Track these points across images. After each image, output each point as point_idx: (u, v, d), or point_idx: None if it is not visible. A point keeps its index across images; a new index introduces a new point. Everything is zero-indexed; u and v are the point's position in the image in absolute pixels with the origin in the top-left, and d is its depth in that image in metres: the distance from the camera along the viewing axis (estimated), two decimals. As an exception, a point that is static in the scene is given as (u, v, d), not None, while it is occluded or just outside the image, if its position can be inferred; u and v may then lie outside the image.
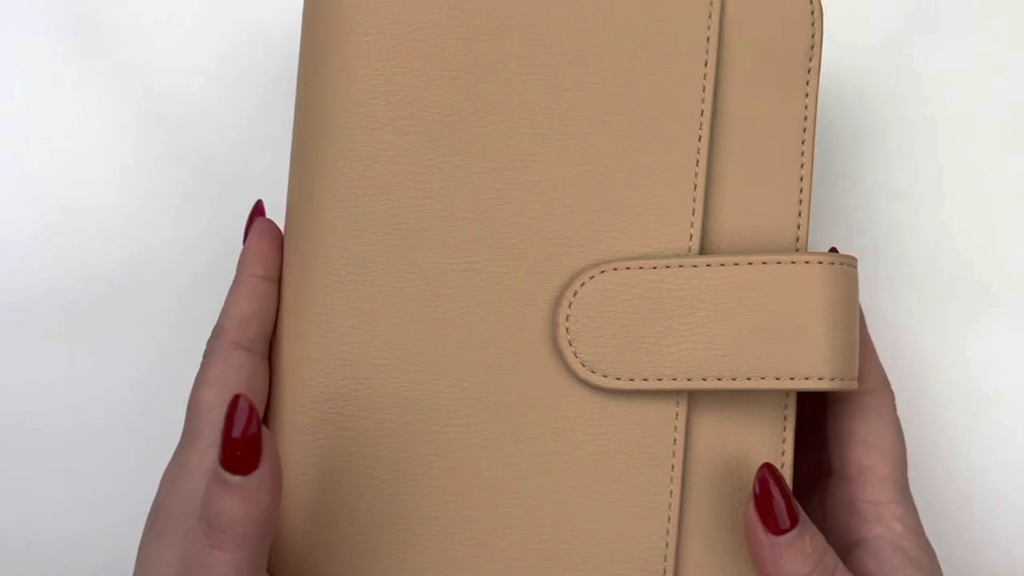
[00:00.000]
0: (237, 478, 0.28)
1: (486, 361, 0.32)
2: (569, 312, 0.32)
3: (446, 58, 0.32)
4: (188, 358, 0.41)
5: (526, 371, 0.32)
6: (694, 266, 0.32)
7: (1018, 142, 0.43)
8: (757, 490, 0.31)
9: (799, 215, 0.32)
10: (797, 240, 0.32)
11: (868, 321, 0.42)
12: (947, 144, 0.43)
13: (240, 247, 0.39)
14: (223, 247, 0.42)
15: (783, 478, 0.31)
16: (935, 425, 0.42)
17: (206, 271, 0.42)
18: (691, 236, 0.32)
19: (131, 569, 0.41)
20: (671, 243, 0.32)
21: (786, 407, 0.32)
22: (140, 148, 0.42)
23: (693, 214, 0.32)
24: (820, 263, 0.31)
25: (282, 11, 0.43)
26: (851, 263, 0.32)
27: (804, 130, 0.33)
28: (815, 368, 0.31)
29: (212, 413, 0.32)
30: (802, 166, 0.33)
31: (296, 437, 0.32)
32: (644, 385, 0.31)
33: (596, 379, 0.32)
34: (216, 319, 0.37)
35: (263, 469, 0.28)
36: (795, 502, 0.31)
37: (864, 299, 0.42)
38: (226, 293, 0.35)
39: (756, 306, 0.31)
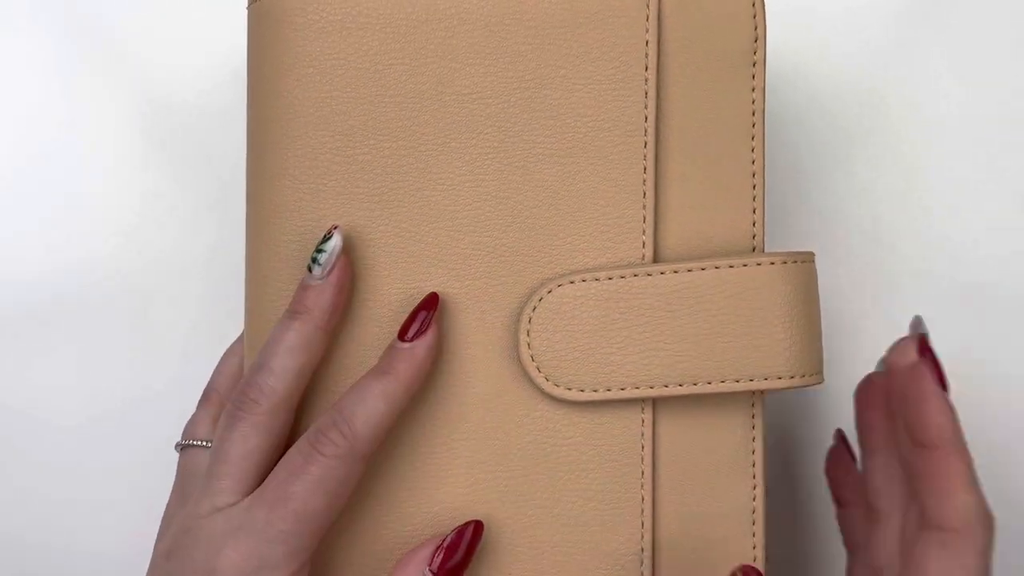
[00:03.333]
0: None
1: (455, 383, 0.33)
2: (529, 327, 0.32)
3: (390, 84, 0.33)
4: (187, 357, 0.42)
5: (494, 388, 0.33)
6: (648, 274, 0.32)
7: (1012, 141, 0.42)
8: None
9: (753, 212, 0.32)
10: (753, 238, 0.32)
11: (863, 322, 0.42)
12: (944, 144, 0.42)
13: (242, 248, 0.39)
14: (224, 248, 0.42)
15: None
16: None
17: (206, 272, 0.42)
18: (644, 244, 0.32)
19: (132, 567, 0.41)
20: (624, 254, 0.32)
21: (753, 406, 0.33)
22: (140, 150, 0.43)
23: (644, 222, 0.32)
24: (773, 263, 0.31)
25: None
26: (808, 259, 0.32)
27: (753, 126, 0.33)
28: (776, 368, 0.31)
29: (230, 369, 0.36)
30: (753, 162, 0.33)
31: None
32: (608, 395, 0.32)
33: (560, 392, 0.32)
34: (214, 318, 0.39)
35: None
36: None
37: (862, 298, 0.42)
38: (225, 294, 0.36)
39: (713, 310, 0.31)
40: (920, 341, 0.33)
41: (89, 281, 0.43)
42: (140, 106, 0.43)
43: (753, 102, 0.33)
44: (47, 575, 0.42)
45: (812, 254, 0.32)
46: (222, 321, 0.38)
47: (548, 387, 0.32)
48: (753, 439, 0.33)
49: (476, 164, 0.33)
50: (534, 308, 0.32)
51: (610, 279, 0.32)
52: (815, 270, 0.32)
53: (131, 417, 0.42)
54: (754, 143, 0.33)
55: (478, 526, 0.31)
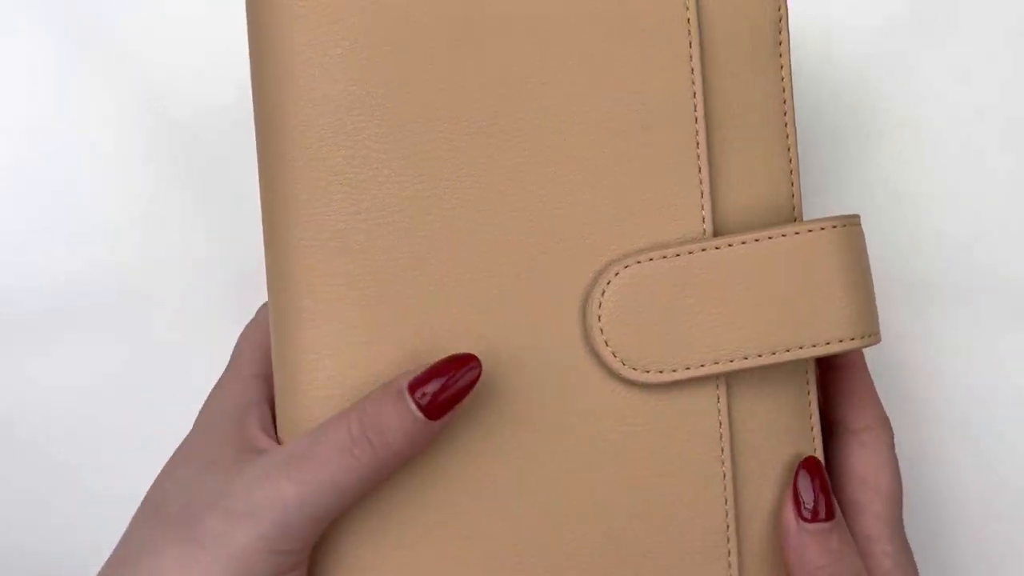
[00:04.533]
0: (419, 413, 0.29)
1: (527, 376, 0.31)
2: (600, 312, 0.31)
3: (425, 66, 0.30)
4: (186, 357, 0.41)
5: (568, 378, 0.31)
6: (716, 248, 0.32)
7: (1011, 139, 0.43)
8: (799, 476, 0.32)
9: (792, 185, 0.33)
10: (793, 210, 0.33)
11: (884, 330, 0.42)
12: (954, 143, 0.43)
13: (240, 247, 0.39)
14: (225, 248, 0.41)
15: (825, 473, 0.32)
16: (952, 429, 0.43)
17: (206, 272, 0.42)
18: (704, 219, 0.32)
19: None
20: (686, 230, 0.32)
21: (807, 372, 0.33)
22: (140, 150, 0.42)
23: (703, 197, 0.32)
24: (834, 227, 0.32)
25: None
26: (855, 223, 0.33)
27: (784, 101, 0.34)
28: (841, 330, 0.32)
29: (254, 340, 0.33)
30: (788, 137, 0.34)
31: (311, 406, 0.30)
32: (686, 374, 0.31)
33: (639, 375, 0.31)
34: (216, 318, 0.39)
35: (437, 424, 0.29)
36: (834, 500, 0.32)
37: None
38: (226, 292, 0.37)
39: (777, 279, 0.32)
40: None
41: (88, 281, 0.42)
42: (140, 106, 0.42)
43: (783, 79, 0.34)
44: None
45: (858, 216, 0.34)
46: (222, 321, 0.37)
47: (626, 371, 0.31)
48: (810, 403, 0.33)
49: (528, 153, 0.31)
50: (603, 292, 0.31)
51: (678, 256, 0.31)
52: (863, 232, 0.34)
53: (131, 418, 0.41)
54: (787, 119, 0.34)
55: (476, 362, 0.29)
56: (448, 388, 0.29)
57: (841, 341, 0.32)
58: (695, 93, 0.32)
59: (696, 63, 0.32)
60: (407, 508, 0.31)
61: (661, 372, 0.31)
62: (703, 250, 0.32)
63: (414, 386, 0.29)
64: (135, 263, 0.41)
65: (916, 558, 0.34)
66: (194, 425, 0.32)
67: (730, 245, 0.32)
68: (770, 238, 0.32)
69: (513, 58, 0.31)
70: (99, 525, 0.39)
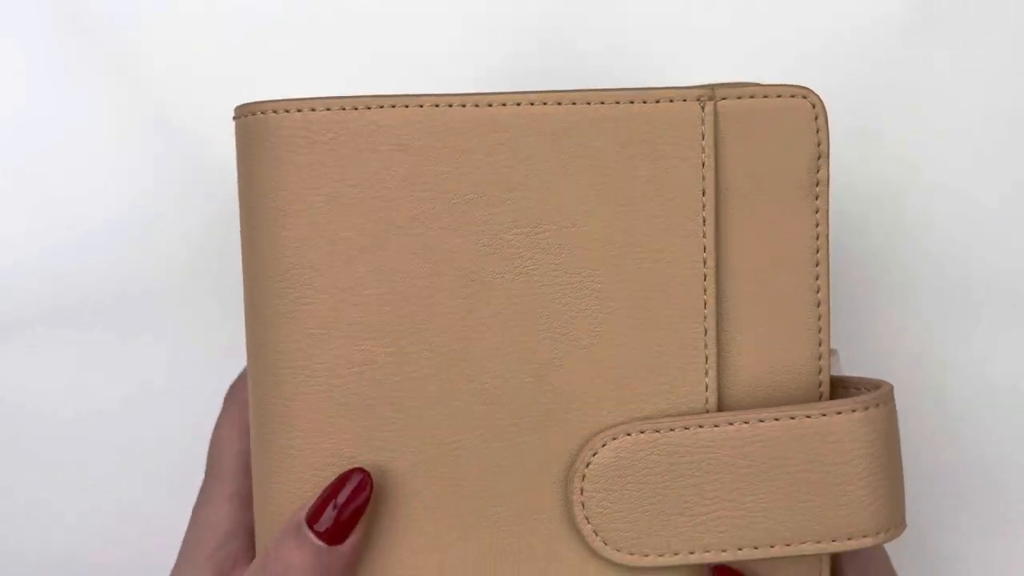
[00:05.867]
0: (319, 542, 0.28)
1: (501, 548, 0.29)
2: (583, 485, 0.29)
3: (415, 226, 0.29)
4: (196, 358, 0.42)
5: (545, 553, 0.29)
6: (715, 425, 0.28)
7: (1012, 140, 0.42)
8: None
9: (820, 352, 0.29)
10: (820, 385, 0.29)
11: (875, 328, 0.42)
12: (946, 144, 0.42)
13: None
14: (225, 249, 0.41)
15: None
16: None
17: (207, 273, 0.42)
18: (707, 388, 0.29)
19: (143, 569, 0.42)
20: (686, 401, 0.29)
21: (822, 561, 0.30)
22: (140, 149, 0.42)
23: (707, 362, 0.29)
24: (855, 411, 0.28)
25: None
26: (887, 400, 0.29)
27: (817, 251, 0.30)
28: (859, 526, 0.28)
29: (232, 447, 0.33)
30: (818, 291, 0.30)
31: None
32: (674, 560, 0.28)
33: (620, 557, 0.29)
34: (216, 319, 0.39)
35: (346, 545, 0.28)
36: None
37: (861, 299, 0.42)
38: (227, 293, 0.37)
39: (786, 464, 0.28)
40: None
41: (88, 282, 0.42)
42: (140, 106, 0.42)
43: (817, 225, 0.30)
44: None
45: (890, 389, 0.29)
46: (223, 321, 0.38)
47: (607, 551, 0.29)
48: None
49: (519, 297, 0.29)
50: (587, 463, 0.29)
51: (672, 430, 0.29)
52: (895, 410, 0.29)
53: (131, 418, 0.42)
54: (819, 270, 0.30)
55: (364, 476, 0.29)
56: (346, 508, 0.29)
57: (865, 537, 0.28)
58: (705, 247, 0.29)
59: (710, 211, 0.29)
60: None
61: (646, 555, 0.29)
62: (700, 426, 0.29)
63: (312, 517, 0.29)
64: (133, 263, 0.42)
65: (908, 554, 0.35)
66: (180, 550, 0.33)
67: (731, 423, 0.28)
68: (776, 419, 0.28)
69: (509, 216, 0.29)
70: (99, 531, 0.41)
